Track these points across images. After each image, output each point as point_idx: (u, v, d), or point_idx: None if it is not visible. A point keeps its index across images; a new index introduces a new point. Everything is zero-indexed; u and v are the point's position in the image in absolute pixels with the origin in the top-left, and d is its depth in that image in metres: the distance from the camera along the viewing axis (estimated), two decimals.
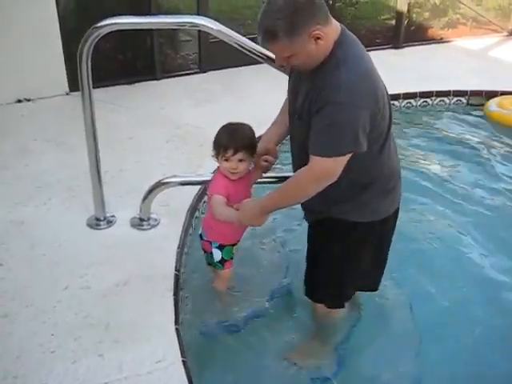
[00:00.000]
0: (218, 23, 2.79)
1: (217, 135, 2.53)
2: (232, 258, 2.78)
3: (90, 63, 2.87)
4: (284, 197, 2.30)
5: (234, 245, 2.76)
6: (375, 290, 2.77)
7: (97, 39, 2.78)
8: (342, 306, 2.67)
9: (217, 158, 2.54)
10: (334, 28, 2.09)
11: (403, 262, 3.19)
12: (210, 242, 2.72)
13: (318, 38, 2.02)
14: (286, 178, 2.44)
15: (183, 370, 2.30)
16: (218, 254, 2.73)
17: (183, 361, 2.34)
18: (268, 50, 2.32)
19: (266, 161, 2.54)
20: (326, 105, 2.03)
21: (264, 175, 2.66)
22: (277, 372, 2.62)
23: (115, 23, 2.75)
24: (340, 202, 2.33)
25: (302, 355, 2.72)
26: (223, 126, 2.55)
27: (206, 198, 3.10)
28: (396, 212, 2.50)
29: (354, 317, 2.87)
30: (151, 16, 3.07)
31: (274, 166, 2.61)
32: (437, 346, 2.77)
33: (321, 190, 2.17)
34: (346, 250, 2.43)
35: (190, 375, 2.28)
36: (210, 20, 2.79)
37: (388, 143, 2.27)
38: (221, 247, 2.72)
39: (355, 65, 2.07)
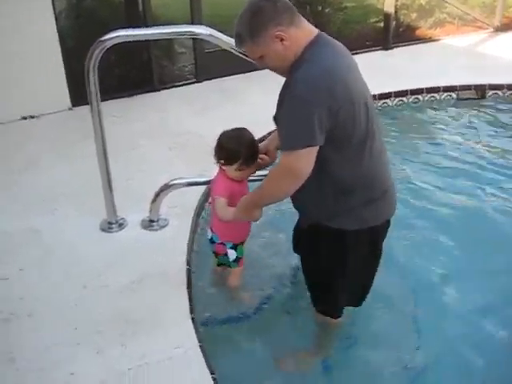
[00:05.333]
0: (215, 31, 2.95)
1: (231, 146, 2.60)
2: (243, 255, 2.91)
3: (97, 76, 3.00)
4: (263, 193, 2.38)
5: (243, 242, 2.89)
6: (358, 305, 2.76)
7: (102, 52, 2.92)
8: (333, 316, 2.69)
9: (225, 165, 2.64)
10: (304, 32, 2.19)
11: (403, 259, 3.34)
12: (224, 244, 2.83)
13: (282, 40, 2.14)
14: None
15: (201, 353, 2.46)
16: (233, 254, 2.84)
17: (200, 346, 2.50)
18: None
19: (262, 159, 2.68)
20: (285, 99, 2.16)
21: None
22: None
23: (119, 36, 2.90)
24: (321, 207, 2.37)
25: (294, 363, 2.76)
26: (235, 138, 2.63)
27: (210, 200, 3.21)
28: (386, 224, 2.49)
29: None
30: (152, 27, 3.24)
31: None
32: (436, 349, 2.81)
33: (296, 186, 2.20)
34: (331, 257, 2.44)
35: (207, 358, 2.43)
36: (208, 28, 2.96)
37: (368, 150, 2.27)
38: (234, 246, 2.83)
39: (318, 62, 2.12)
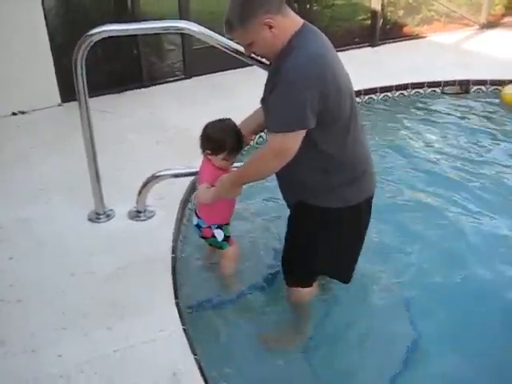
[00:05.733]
0: (199, 26, 3.03)
1: (217, 136, 2.70)
2: (230, 233, 3.01)
3: (84, 69, 3.07)
4: (249, 171, 2.51)
5: (228, 223, 3.00)
6: (346, 282, 2.88)
7: (89, 46, 2.99)
8: (307, 286, 2.83)
9: (211, 155, 2.74)
10: (291, 20, 2.31)
11: (390, 248, 3.45)
12: (210, 226, 2.93)
13: (271, 27, 2.25)
14: None
15: (184, 336, 2.54)
16: (220, 234, 2.95)
17: (184, 329, 2.59)
18: (232, 39, 2.52)
19: None
20: (277, 85, 2.26)
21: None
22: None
23: (105, 30, 2.97)
24: (305, 185, 2.52)
25: (275, 340, 2.90)
26: (220, 128, 2.72)
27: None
28: (368, 202, 2.63)
29: (330, 302, 3.03)
30: (138, 22, 3.31)
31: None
32: (424, 332, 2.87)
33: (282, 165, 2.34)
34: (315, 234, 2.59)
35: (190, 340, 2.52)
36: (192, 23, 3.03)
37: (352, 134, 2.42)
38: (220, 226, 2.94)
39: (306, 48, 2.24)
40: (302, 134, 2.27)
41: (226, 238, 2.98)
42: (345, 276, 2.87)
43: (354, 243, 2.75)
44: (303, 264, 2.73)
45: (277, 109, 2.29)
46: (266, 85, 2.48)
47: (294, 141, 2.27)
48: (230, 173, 2.66)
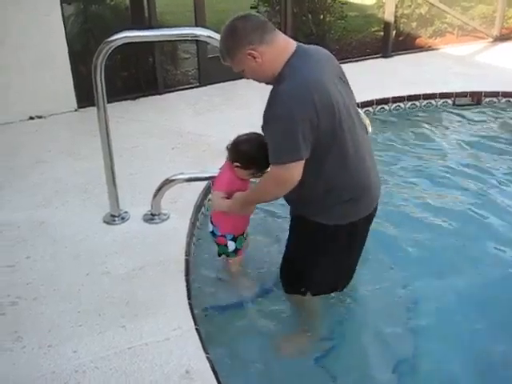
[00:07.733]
0: (214, 32, 3.09)
1: (253, 153, 2.69)
2: (242, 246, 3.08)
3: (103, 74, 3.15)
4: (256, 195, 2.64)
5: (243, 234, 3.05)
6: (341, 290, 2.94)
7: (108, 53, 3.07)
8: (308, 293, 2.79)
9: (240, 168, 2.77)
10: (279, 47, 2.35)
11: (400, 254, 3.48)
12: (224, 236, 2.99)
13: (254, 57, 2.32)
14: None
15: (197, 335, 2.59)
16: (232, 245, 3.02)
17: (196, 328, 2.64)
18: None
19: None
20: (267, 119, 2.34)
21: None
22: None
23: (124, 37, 3.06)
24: (308, 204, 2.56)
25: (289, 344, 2.88)
26: (257, 145, 2.64)
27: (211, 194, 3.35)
28: (367, 219, 2.67)
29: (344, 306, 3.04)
30: (155, 29, 3.39)
31: None
32: (432, 336, 2.90)
33: (284, 192, 2.44)
34: (312, 247, 2.63)
35: (203, 339, 2.57)
36: (208, 30, 3.11)
37: (352, 155, 2.44)
38: (234, 238, 3.00)
39: (296, 77, 2.28)
40: (299, 164, 2.31)
41: (236, 250, 3.05)
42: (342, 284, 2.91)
43: (345, 259, 2.78)
44: (299, 274, 2.77)
45: (271, 141, 2.36)
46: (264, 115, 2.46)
47: (292, 171, 2.33)
48: (242, 193, 2.72)
